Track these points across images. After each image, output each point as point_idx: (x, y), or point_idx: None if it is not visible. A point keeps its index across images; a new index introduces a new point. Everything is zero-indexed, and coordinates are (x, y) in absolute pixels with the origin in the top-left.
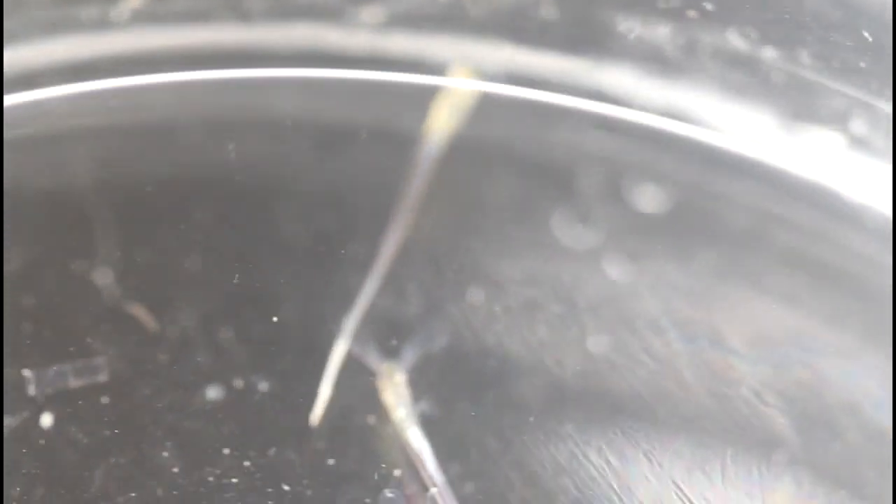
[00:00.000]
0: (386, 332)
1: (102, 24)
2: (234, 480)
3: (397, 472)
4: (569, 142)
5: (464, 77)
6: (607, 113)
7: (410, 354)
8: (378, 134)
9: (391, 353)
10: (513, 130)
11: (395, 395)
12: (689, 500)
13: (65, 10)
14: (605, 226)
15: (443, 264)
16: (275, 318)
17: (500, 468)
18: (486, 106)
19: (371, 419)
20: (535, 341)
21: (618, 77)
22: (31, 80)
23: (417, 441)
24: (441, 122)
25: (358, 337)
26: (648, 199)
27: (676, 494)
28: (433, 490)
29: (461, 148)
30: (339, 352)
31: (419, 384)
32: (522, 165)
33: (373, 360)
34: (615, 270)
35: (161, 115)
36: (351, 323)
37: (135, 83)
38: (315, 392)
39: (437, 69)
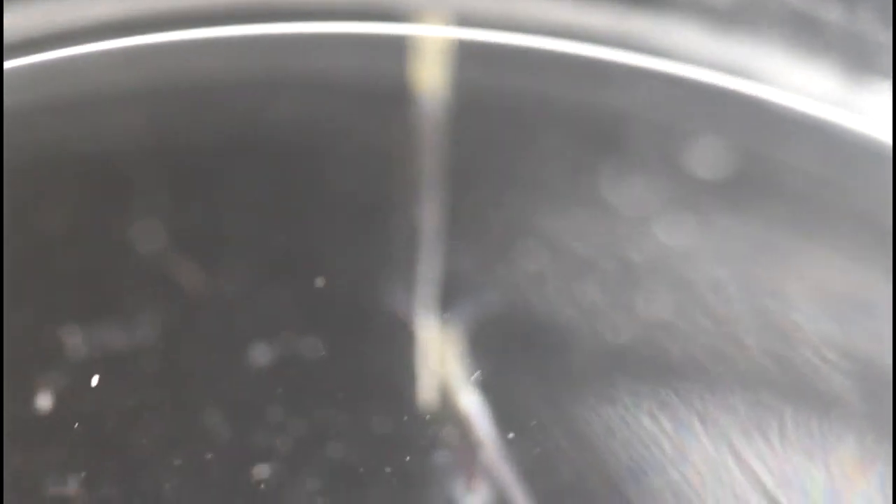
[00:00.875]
0: (437, 295)
1: None
2: (281, 443)
3: (448, 435)
4: (623, 99)
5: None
6: (663, 69)
7: (461, 317)
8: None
9: (442, 316)
10: (566, 87)
11: (448, 355)
12: (746, 463)
13: None
14: (662, 185)
15: (494, 226)
16: (323, 280)
17: (551, 433)
18: (539, 62)
19: (422, 382)
20: (588, 304)
21: (674, 31)
22: (68, 37)
23: (471, 402)
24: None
25: (409, 299)
26: (706, 156)
27: (732, 457)
28: (484, 453)
29: (514, 106)
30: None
31: (470, 348)
32: (576, 124)
33: (424, 322)
34: (671, 231)
35: (204, 73)
36: (401, 285)
37: (174, 39)
38: (362, 353)
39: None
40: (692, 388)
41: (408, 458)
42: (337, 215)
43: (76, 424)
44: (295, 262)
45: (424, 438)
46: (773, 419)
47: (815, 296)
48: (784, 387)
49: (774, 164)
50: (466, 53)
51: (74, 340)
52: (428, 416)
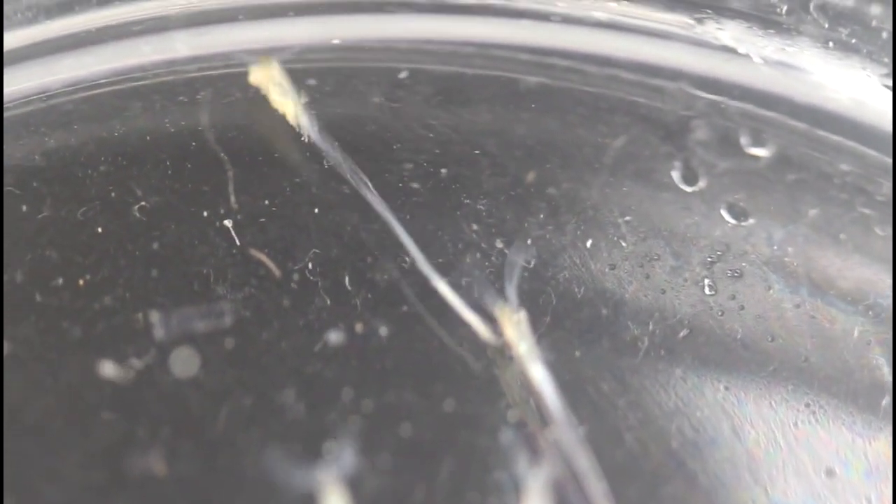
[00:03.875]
0: (506, 276)
1: None
2: (354, 422)
3: (516, 414)
4: (677, 93)
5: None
6: (714, 64)
7: (529, 299)
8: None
9: (510, 297)
10: (620, 81)
11: (517, 332)
12: (799, 443)
13: None
14: (715, 177)
15: (561, 211)
16: (395, 263)
17: (615, 410)
18: (594, 57)
19: (489, 361)
20: (649, 287)
21: (725, 27)
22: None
23: (539, 377)
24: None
25: (478, 280)
26: (757, 150)
27: (785, 437)
28: (552, 430)
29: (574, 99)
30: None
31: (536, 328)
32: (634, 116)
33: (492, 301)
34: (725, 220)
35: None
36: (470, 267)
37: None
38: (433, 335)
39: None
40: (749, 371)
41: (477, 436)
42: (408, 201)
43: (157, 403)
44: (368, 246)
45: (494, 416)
46: (822, 405)
47: (859, 288)
48: (831, 374)
49: (821, 157)
50: None
51: (157, 321)
52: (497, 394)
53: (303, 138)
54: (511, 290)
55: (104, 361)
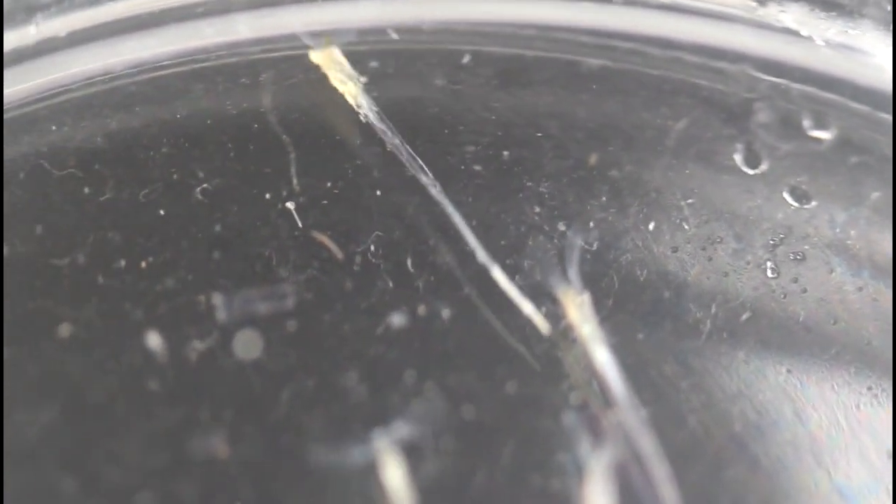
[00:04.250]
0: (568, 259)
1: None
2: (416, 404)
3: (578, 396)
4: (740, 76)
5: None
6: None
7: (591, 281)
8: (551, 64)
9: (572, 279)
10: (682, 64)
11: (580, 314)
12: (861, 426)
13: None
14: (777, 159)
15: (623, 194)
16: (457, 246)
17: (678, 393)
18: (656, 40)
19: (551, 343)
20: (711, 269)
21: (788, 10)
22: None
23: (602, 360)
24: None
25: (540, 263)
26: (819, 133)
27: (847, 420)
28: (615, 412)
29: (636, 81)
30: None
31: (599, 311)
32: (696, 98)
33: (555, 284)
34: (787, 203)
35: None
36: (533, 249)
37: None
38: (495, 318)
39: None
40: (812, 353)
41: (539, 418)
42: (470, 185)
43: (219, 385)
44: (430, 229)
45: (556, 399)
46: (884, 387)
47: None
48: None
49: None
50: None
51: (219, 303)
52: (559, 376)
53: (364, 120)
54: (574, 273)
55: (166, 344)
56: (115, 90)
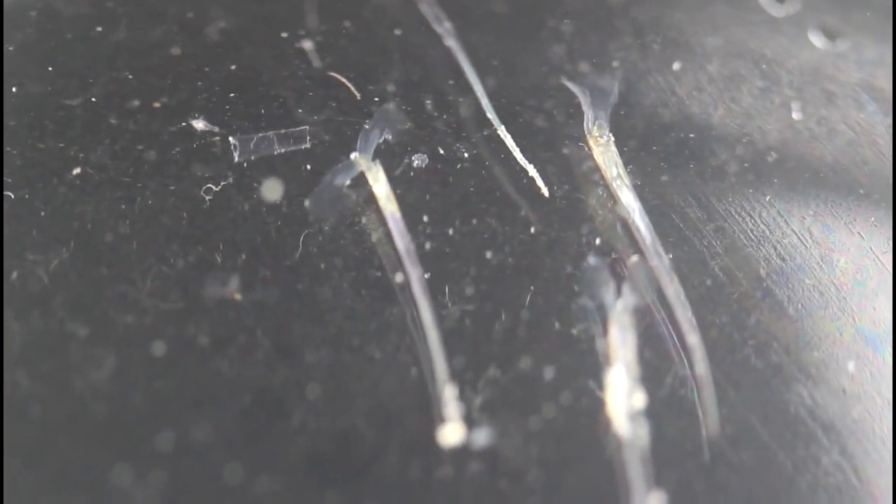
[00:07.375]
0: (593, 102)
1: None
2: (438, 248)
3: (599, 241)
4: None
5: None
6: None
7: (614, 123)
8: None
9: (596, 120)
10: None
11: (606, 155)
12: (888, 271)
13: None
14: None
15: (645, 32)
16: (476, 88)
17: (702, 235)
18: None
19: (574, 185)
20: (737, 111)
21: None
22: None
23: (626, 202)
24: None
25: (562, 103)
26: None
27: (876, 263)
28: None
29: None
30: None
31: (622, 153)
32: None
33: (578, 125)
34: (816, 43)
35: None
36: (555, 90)
37: None
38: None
39: None
40: (838, 196)
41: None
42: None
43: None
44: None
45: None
46: None
47: None
48: None
49: None
50: None
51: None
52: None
53: None
54: (597, 114)
55: (179, 184)
56: None
